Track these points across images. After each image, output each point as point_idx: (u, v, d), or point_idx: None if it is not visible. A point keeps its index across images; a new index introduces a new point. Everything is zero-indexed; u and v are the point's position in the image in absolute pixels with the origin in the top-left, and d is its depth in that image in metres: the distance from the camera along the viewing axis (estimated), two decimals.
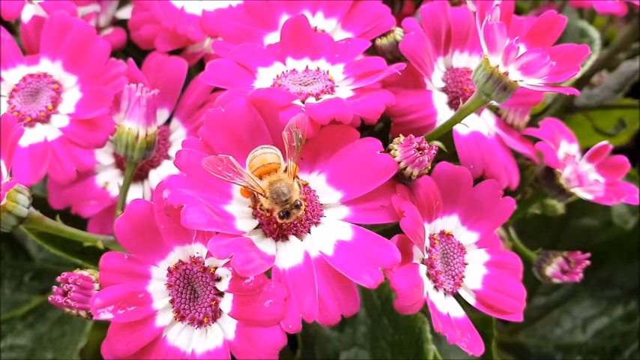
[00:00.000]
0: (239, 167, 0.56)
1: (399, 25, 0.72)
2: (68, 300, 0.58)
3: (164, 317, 0.59)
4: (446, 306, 0.62)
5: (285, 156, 0.58)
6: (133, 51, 0.85)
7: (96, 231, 0.75)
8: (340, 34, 0.74)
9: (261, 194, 0.56)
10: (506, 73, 0.58)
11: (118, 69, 0.73)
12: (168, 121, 0.81)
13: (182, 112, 0.80)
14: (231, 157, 0.56)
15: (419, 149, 0.59)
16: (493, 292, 0.65)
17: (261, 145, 0.59)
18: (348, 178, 0.60)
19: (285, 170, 0.57)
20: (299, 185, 0.57)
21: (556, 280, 0.76)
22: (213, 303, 0.57)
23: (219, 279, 0.57)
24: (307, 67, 0.67)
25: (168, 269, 0.59)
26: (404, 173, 0.60)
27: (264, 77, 0.67)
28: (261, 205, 0.57)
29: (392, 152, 0.60)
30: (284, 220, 0.56)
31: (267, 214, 0.58)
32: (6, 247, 0.97)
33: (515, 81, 0.58)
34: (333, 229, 0.58)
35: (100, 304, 0.56)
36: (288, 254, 0.57)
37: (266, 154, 0.58)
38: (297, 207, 0.56)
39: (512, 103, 0.75)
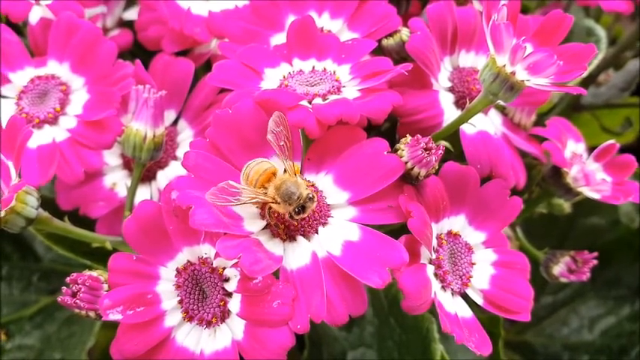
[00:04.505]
0: (241, 187, 0.56)
1: (405, 25, 0.72)
2: (77, 301, 0.58)
3: (173, 317, 0.59)
4: (453, 306, 0.62)
5: (282, 160, 0.58)
6: (139, 52, 0.85)
7: (104, 232, 0.76)
8: (346, 35, 0.74)
9: (273, 202, 0.56)
10: (513, 73, 0.58)
11: (125, 70, 0.73)
12: (175, 122, 0.81)
13: (189, 113, 0.80)
14: (230, 181, 0.55)
15: (426, 149, 0.59)
16: (501, 292, 0.65)
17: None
18: (355, 179, 0.60)
19: (285, 172, 0.57)
20: (303, 179, 0.58)
21: (563, 280, 0.76)
22: (221, 303, 0.57)
23: (227, 279, 0.58)
24: (314, 67, 0.67)
25: (177, 270, 0.59)
26: (411, 173, 0.59)
27: (271, 78, 0.66)
28: (274, 212, 0.57)
29: (399, 152, 0.60)
30: (300, 215, 0.56)
31: (281, 220, 0.57)
32: (14, 247, 0.98)
33: (522, 80, 0.58)
34: (341, 230, 0.58)
35: (109, 304, 0.57)
36: (296, 255, 0.57)
37: (261, 163, 0.58)
38: (311, 199, 0.56)
39: (519, 103, 0.75)
